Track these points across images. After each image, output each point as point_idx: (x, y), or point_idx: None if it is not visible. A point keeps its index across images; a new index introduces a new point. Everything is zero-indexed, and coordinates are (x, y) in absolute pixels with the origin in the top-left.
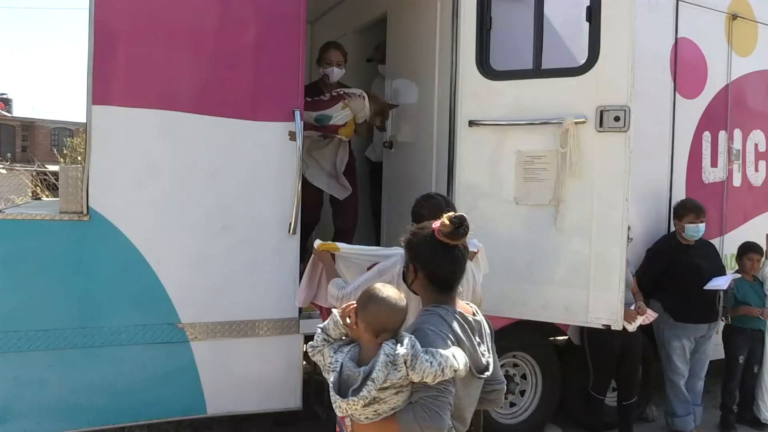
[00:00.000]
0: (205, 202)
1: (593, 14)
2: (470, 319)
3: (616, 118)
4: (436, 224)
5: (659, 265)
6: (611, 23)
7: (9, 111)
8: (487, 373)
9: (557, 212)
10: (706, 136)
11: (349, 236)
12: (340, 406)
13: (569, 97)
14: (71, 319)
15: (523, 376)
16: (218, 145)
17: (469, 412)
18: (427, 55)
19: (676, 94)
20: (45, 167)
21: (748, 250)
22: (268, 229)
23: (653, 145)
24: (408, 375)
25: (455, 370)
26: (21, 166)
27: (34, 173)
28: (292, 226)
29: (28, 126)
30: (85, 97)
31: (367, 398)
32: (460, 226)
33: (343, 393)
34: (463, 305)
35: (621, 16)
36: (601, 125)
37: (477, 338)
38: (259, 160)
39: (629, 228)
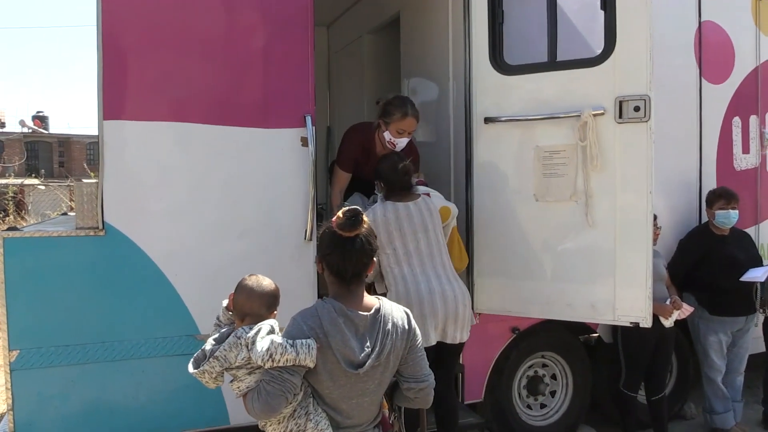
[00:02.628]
0: (220, 212)
1: (608, 2)
2: (358, 314)
3: (636, 108)
4: (334, 218)
5: (692, 256)
6: (627, 10)
7: (45, 128)
8: (361, 369)
9: (578, 207)
10: (736, 121)
11: None
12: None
13: (586, 89)
14: (92, 334)
15: (553, 377)
16: (231, 155)
17: (346, 403)
18: (441, 52)
19: (702, 79)
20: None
21: None
22: (284, 236)
23: (680, 133)
24: (250, 357)
25: (290, 360)
26: (58, 182)
27: (69, 188)
28: (308, 232)
29: (65, 142)
30: (96, 113)
31: (209, 371)
32: (353, 218)
33: (197, 365)
34: (368, 300)
35: (637, 3)
36: (620, 116)
37: (358, 334)
38: (273, 168)
39: (656, 217)
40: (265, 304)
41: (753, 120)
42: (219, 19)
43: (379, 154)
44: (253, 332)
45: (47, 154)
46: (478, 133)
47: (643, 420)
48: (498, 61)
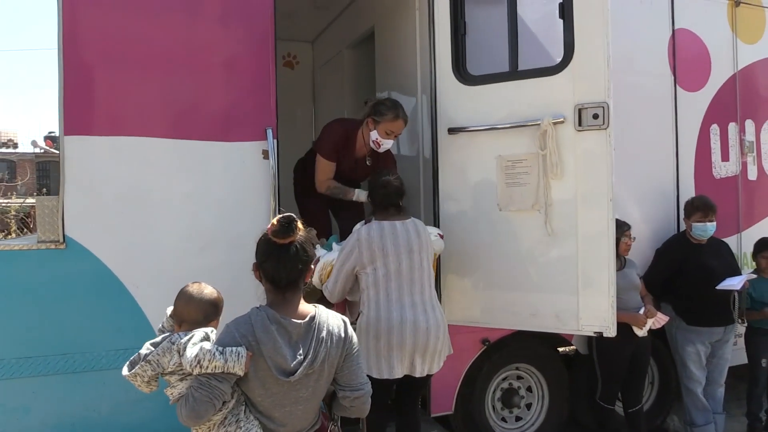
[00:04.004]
0: (181, 225)
1: (566, 10)
2: (292, 322)
3: (595, 116)
4: (269, 226)
5: (668, 265)
6: (584, 18)
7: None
8: (292, 377)
9: (541, 216)
10: (714, 129)
11: None
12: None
13: (547, 98)
14: (53, 346)
15: (529, 389)
16: (191, 168)
17: (278, 411)
18: (410, 65)
19: (677, 87)
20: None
21: (762, 247)
22: (246, 249)
23: (655, 142)
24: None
25: (218, 367)
26: None
27: None
28: None
29: None
30: (57, 129)
31: (140, 374)
32: (287, 225)
33: (131, 368)
34: (304, 308)
35: (594, 11)
36: (580, 124)
37: (291, 342)
38: (234, 181)
39: (629, 227)
40: (203, 311)
41: (732, 127)
42: (179, 33)
43: (357, 151)
44: (186, 338)
45: (58, 174)
46: (442, 144)
47: None
48: (461, 72)
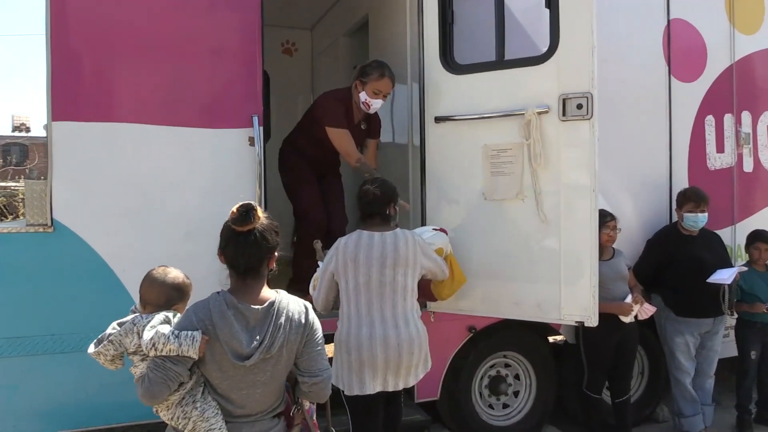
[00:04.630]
0: (167, 210)
1: (552, 0)
2: (249, 307)
3: (579, 106)
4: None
5: (658, 256)
6: (570, 8)
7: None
8: (248, 362)
9: (524, 206)
10: (710, 120)
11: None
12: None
13: (532, 87)
14: (41, 327)
15: (516, 377)
16: (178, 155)
17: (236, 393)
18: (401, 54)
19: (672, 78)
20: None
21: (755, 239)
22: None
23: (648, 133)
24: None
25: (173, 350)
26: None
27: None
28: None
29: None
30: (45, 114)
31: (103, 353)
32: (245, 213)
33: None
34: (266, 294)
35: (580, 1)
36: (564, 114)
37: (249, 327)
38: (220, 167)
39: (616, 219)
40: (165, 295)
41: (728, 118)
42: (166, 19)
43: (356, 120)
44: (146, 321)
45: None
46: (429, 133)
47: (609, 422)
48: (448, 61)
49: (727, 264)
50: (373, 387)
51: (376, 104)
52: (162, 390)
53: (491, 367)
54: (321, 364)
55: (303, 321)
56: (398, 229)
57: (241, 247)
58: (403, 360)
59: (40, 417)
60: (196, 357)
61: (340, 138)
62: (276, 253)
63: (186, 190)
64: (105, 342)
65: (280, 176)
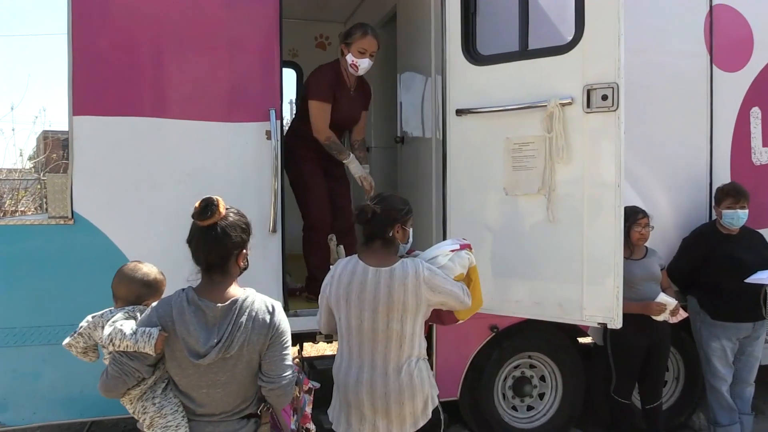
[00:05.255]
0: (184, 204)
1: None
2: (210, 305)
3: (604, 97)
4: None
5: (694, 256)
6: None
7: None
8: (203, 360)
9: (547, 202)
10: (755, 112)
11: (351, 235)
12: None
13: (556, 78)
14: (62, 316)
15: (542, 378)
16: (195, 148)
17: (196, 391)
18: (426, 46)
19: (714, 67)
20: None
21: None
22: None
23: (687, 126)
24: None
25: (129, 346)
26: None
27: None
28: (272, 224)
29: None
30: (66, 109)
31: (74, 345)
32: (204, 207)
33: None
34: (232, 291)
35: None
36: (588, 106)
37: (208, 325)
38: (237, 161)
39: (648, 216)
40: (134, 291)
41: None
42: (185, 13)
43: (350, 87)
44: (109, 316)
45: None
46: (451, 126)
47: (640, 428)
48: (471, 52)
49: None
50: (359, 429)
51: (363, 63)
52: (118, 384)
53: (515, 368)
54: (281, 370)
55: (267, 322)
56: (399, 264)
57: (202, 243)
58: (392, 409)
59: (59, 404)
60: (152, 353)
61: (318, 111)
62: (245, 251)
63: (204, 184)
64: (75, 335)
65: (286, 172)
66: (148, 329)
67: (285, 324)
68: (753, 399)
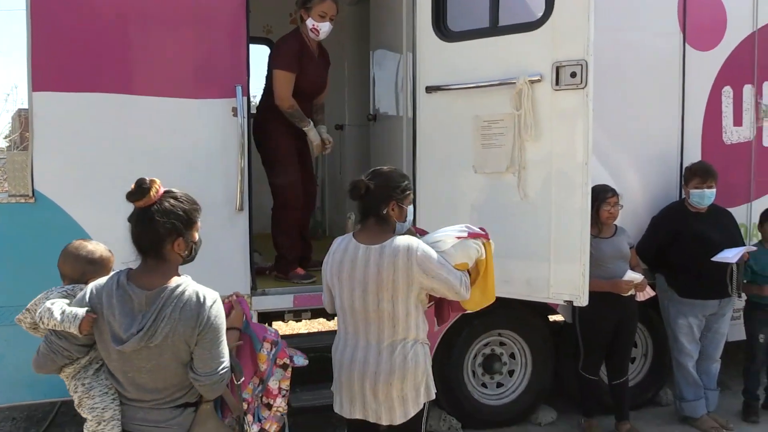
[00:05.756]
0: None
1: None
2: (137, 290)
3: (573, 74)
4: None
5: (663, 234)
6: None
7: None
8: (122, 346)
9: (515, 179)
10: (727, 91)
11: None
12: None
13: (526, 55)
14: (23, 296)
15: (512, 356)
16: (160, 125)
17: (122, 376)
18: (397, 22)
19: (687, 46)
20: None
21: None
22: (215, 206)
23: (658, 104)
24: None
25: (56, 326)
26: None
27: None
28: (238, 202)
29: None
30: (26, 85)
31: (23, 320)
32: (138, 188)
33: None
34: (166, 279)
35: None
36: (557, 83)
37: (135, 311)
38: (203, 138)
39: (618, 195)
40: (79, 269)
41: (747, 89)
42: None
43: (314, 53)
44: (44, 294)
45: None
46: (421, 103)
47: (607, 403)
48: (441, 28)
49: (737, 243)
50: (350, 412)
51: (324, 27)
52: (47, 362)
53: (485, 345)
54: (209, 367)
55: (196, 315)
56: (390, 241)
57: (134, 225)
58: (380, 389)
59: (24, 385)
60: (78, 334)
61: (283, 80)
62: (182, 239)
63: (169, 162)
64: (23, 311)
65: (258, 149)
66: (74, 310)
67: (217, 318)
68: (719, 374)
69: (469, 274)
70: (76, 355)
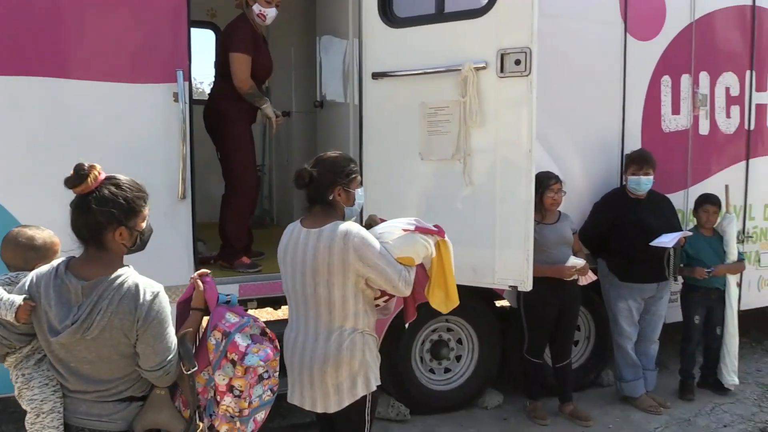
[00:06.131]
0: None
1: None
2: (73, 281)
3: (517, 62)
4: None
5: (603, 219)
6: None
7: None
8: (57, 338)
9: (461, 166)
10: (666, 80)
11: None
12: None
13: (471, 42)
14: None
15: (459, 341)
16: (97, 111)
17: (63, 367)
18: (343, 7)
19: (628, 35)
20: None
21: (703, 201)
22: (156, 194)
23: (600, 92)
24: None
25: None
26: None
27: None
28: (180, 191)
29: None
30: None
31: None
32: (74, 173)
33: None
34: (106, 269)
35: None
36: (502, 70)
37: (71, 302)
38: (143, 124)
39: (561, 182)
40: (21, 255)
41: (685, 79)
42: None
43: (261, 38)
44: None
45: None
46: (367, 90)
47: (552, 385)
48: (387, 14)
49: (674, 228)
50: (291, 397)
51: (270, 13)
52: None
53: (433, 331)
54: (151, 362)
55: (134, 309)
56: (329, 225)
57: (74, 212)
58: (315, 376)
59: None
60: (14, 322)
61: (242, 62)
62: (123, 229)
63: (107, 149)
64: None
65: (215, 136)
66: (12, 298)
67: (159, 313)
68: (657, 355)
69: (425, 272)
70: (16, 344)
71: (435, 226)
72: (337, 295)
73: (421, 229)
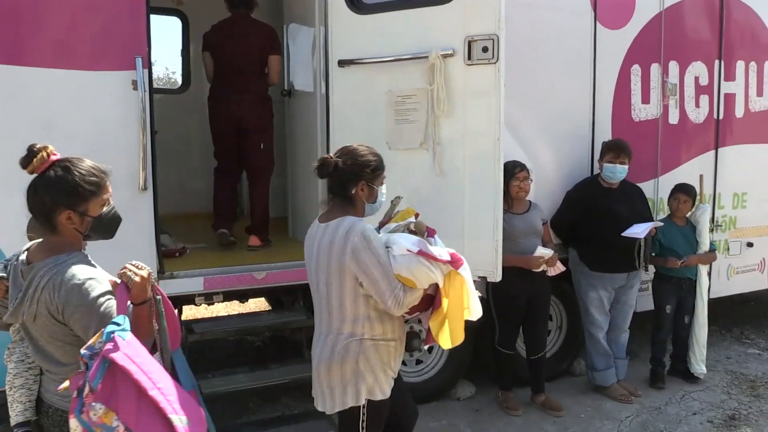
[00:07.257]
0: None
1: None
2: (19, 261)
3: (485, 49)
4: None
5: (575, 210)
6: None
7: None
8: (5, 318)
9: (429, 155)
10: (635, 69)
11: None
12: None
13: (438, 29)
14: None
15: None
16: (53, 99)
17: (31, 345)
18: None
19: (597, 24)
20: None
21: (676, 190)
22: (116, 186)
23: (571, 81)
24: None
25: None
26: None
27: None
28: (141, 181)
29: None
30: None
31: None
32: (26, 153)
33: None
34: (57, 252)
35: None
36: (469, 58)
37: (20, 283)
38: (101, 113)
39: (528, 170)
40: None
41: (654, 68)
42: None
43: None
44: None
45: None
46: (334, 78)
47: (523, 377)
48: (354, 0)
49: (646, 218)
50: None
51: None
52: None
53: (404, 323)
54: (72, 358)
55: (56, 298)
56: (337, 221)
57: (27, 193)
58: (321, 374)
59: None
60: None
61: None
62: (71, 211)
63: (64, 139)
64: None
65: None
66: None
67: (80, 305)
68: (628, 344)
69: (434, 300)
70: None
71: (452, 254)
72: (334, 296)
73: (424, 254)
